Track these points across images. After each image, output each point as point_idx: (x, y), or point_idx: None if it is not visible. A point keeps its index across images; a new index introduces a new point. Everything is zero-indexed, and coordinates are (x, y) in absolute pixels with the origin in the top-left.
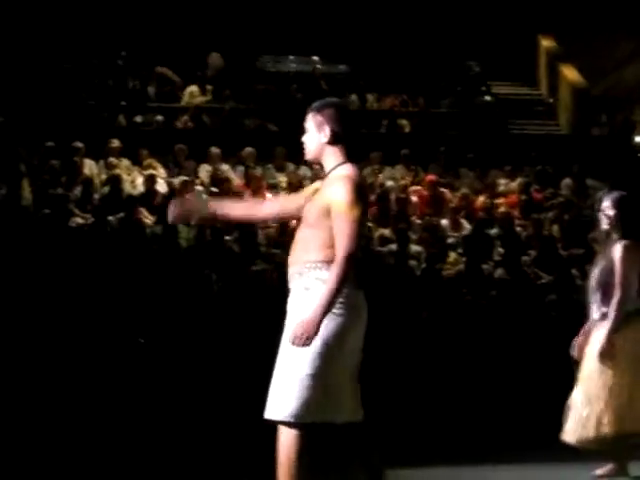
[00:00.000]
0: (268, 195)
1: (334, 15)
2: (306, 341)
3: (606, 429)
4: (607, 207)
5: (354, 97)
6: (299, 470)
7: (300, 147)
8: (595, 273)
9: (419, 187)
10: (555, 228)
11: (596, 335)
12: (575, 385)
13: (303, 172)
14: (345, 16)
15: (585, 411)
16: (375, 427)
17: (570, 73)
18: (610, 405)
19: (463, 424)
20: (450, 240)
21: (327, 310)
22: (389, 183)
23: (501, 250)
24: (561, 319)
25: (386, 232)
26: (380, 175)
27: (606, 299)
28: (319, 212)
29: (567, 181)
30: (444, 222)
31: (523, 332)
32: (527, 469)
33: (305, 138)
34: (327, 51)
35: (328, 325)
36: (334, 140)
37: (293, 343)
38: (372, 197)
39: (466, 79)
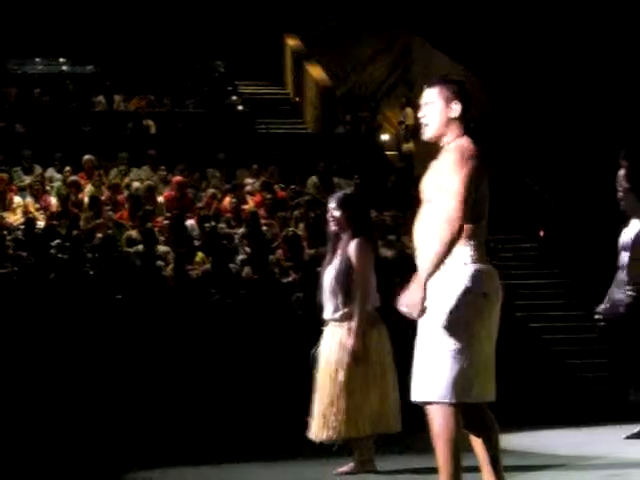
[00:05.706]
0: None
1: (80, 17)
2: (414, 309)
3: (346, 429)
4: (333, 208)
5: (101, 98)
6: (457, 449)
7: (47, 148)
8: (329, 274)
9: (166, 188)
10: (301, 226)
11: (331, 335)
12: (316, 386)
13: (50, 174)
14: (91, 17)
15: (328, 410)
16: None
17: (315, 72)
18: (350, 406)
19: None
20: (197, 240)
21: (432, 273)
22: (136, 184)
23: (248, 249)
24: (307, 317)
25: (133, 233)
26: (127, 176)
27: (348, 299)
28: (436, 187)
29: (313, 179)
30: (191, 222)
31: (270, 330)
32: (273, 467)
33: (426, 113)
34: (74, 52)
35: (467, 301)
36: (461, 116)
37: (407, 311)
38: (120, 198)
39: (212, 79)
